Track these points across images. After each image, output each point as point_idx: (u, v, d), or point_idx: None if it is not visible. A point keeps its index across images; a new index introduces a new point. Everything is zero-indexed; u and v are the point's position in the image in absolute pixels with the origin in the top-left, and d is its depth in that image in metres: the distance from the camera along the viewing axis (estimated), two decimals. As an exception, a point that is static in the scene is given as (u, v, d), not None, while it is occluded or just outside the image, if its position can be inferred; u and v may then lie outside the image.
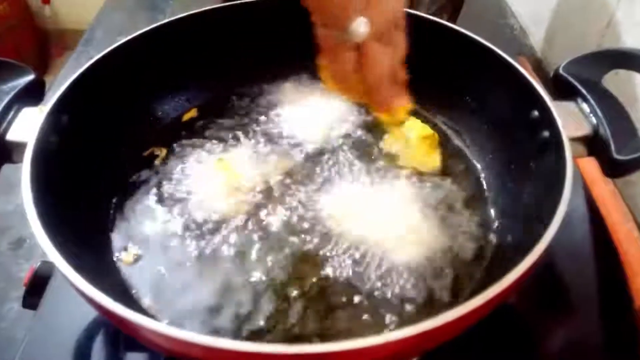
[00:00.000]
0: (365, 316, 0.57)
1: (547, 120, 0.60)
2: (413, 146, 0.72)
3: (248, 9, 0.79)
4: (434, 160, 0.73)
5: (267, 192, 0.69)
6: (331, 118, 0.79)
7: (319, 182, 0.71)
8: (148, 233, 0.65)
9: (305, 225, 0.66)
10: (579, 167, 0.82)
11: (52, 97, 0.61)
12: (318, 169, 0.72)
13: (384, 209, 0.67)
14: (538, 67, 1.09)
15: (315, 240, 0.64)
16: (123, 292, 0.59)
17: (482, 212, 0.68)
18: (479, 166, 0.73)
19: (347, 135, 0.77)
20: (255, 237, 0.64)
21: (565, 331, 0.65)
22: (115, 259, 0.62)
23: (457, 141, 0.77)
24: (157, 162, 0.73)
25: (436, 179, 0.71)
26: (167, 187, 0.70)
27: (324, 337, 0.56)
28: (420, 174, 0.71)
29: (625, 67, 0.66)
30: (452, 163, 0.74)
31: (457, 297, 0.59)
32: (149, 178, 0.71)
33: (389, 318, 0.57)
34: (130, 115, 0.74)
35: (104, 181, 0.68)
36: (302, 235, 0.64)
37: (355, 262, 0.62)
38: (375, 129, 0.77)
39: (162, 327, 0.42)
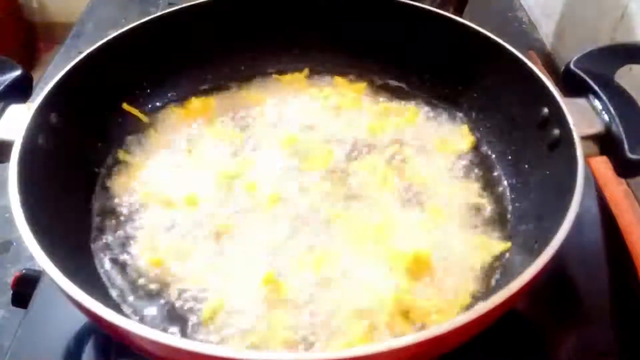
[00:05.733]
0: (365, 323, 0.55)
1: (558, 117, 0.59)
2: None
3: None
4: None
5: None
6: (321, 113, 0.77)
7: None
8: (140, 235, 0.63)
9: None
10: (591, 167, 0.81)
11: (40, 94, 0.60)
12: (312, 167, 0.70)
13: (387, 206, 0.66)
14: (548, 62, 1.08)
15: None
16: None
17: (488, 213, 0.66)
18: (485, 165, 0.71)
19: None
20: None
21: (577, 338, 0.64)
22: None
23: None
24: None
25: (441, 178, 0.69)
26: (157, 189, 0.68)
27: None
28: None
29: (638, 62, 0.66)
30: (457, 162, 0.72)
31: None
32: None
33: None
34: (121, 112, 0.73)
35: (94, 182, 0.67)
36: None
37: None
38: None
39: (153, 333, 0.42)
